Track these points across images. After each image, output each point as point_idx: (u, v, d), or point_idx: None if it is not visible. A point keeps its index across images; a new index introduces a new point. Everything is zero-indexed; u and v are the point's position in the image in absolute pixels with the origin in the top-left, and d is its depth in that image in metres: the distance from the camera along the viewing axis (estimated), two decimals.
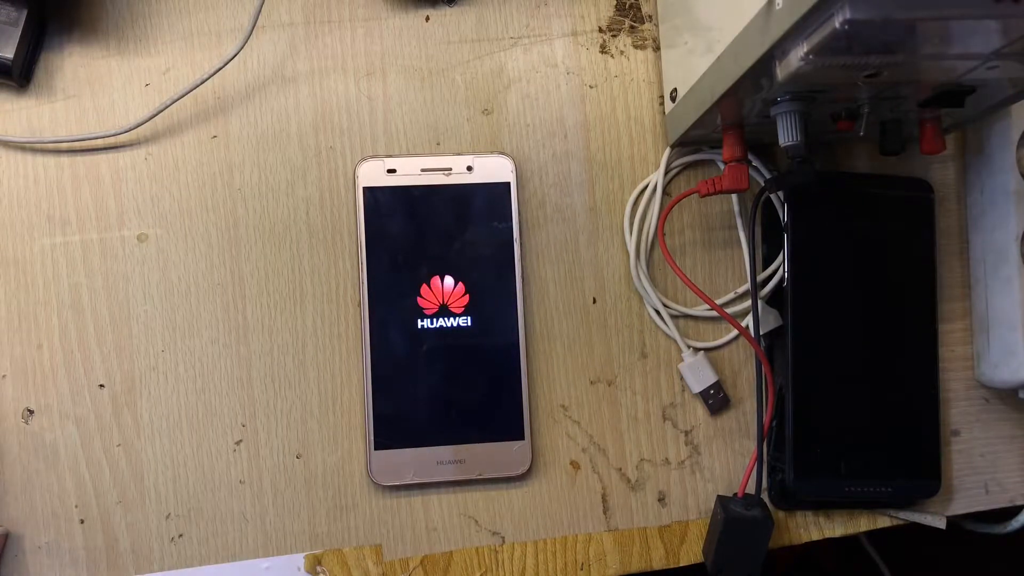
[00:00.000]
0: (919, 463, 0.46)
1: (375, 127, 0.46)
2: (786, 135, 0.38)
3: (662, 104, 0.48)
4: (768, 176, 0.47)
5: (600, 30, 0.48)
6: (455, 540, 0.45)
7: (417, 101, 0.46)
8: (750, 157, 0.45)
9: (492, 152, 0.46)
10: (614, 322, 0.47)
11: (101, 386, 0.44)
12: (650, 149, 0.48)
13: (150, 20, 0.45)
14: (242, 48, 0.43)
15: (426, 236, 0.45)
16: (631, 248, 0.46)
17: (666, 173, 0.47)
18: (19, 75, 0.43)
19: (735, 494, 0.45)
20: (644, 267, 0.47)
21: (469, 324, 0.45)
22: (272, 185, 0.45)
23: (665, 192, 0.47)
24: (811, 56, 0.31)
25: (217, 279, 0.45)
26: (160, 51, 0.45)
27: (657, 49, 0.48)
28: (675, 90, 0.44)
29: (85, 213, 0.44)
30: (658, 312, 0.47)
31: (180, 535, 0.44)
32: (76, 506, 0.43)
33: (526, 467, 0.45)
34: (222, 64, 0.43)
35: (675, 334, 0.46)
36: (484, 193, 0.45)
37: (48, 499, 0.43)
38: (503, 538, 0.45)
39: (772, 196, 0.46)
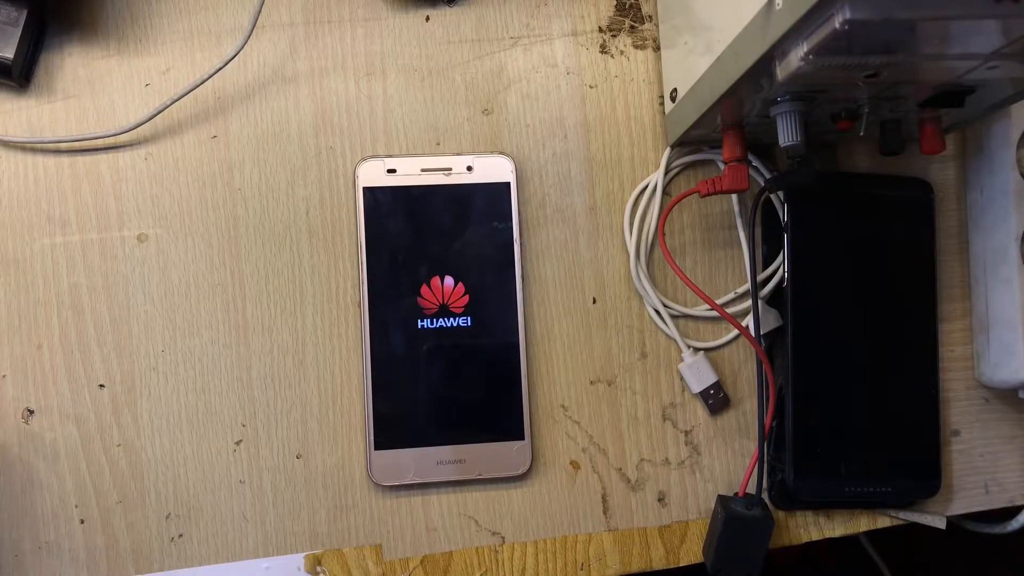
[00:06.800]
0: (919, 463, 0.46)
1: (375, 127, 0.46)
2: (786, 135, 0.38)
3: (662, 104, 0.48)
4: (768, 176, 0.47)
5: (600, 30, 0.48)
6: (455, 540, 0.45)
7: (417, 101, 0.46)
8: (750, 157, 0.46)
9: (492, 152, 0.46)
10: (614, 322, 0.47)
11: (101, 386, 0.44)
12: (650, 149, 0.48)
13: (150, 20, 0.45)
14: (242, 48, 0.43)
15: (426, 236, 0.45)
16: (631, 248, 0.46)
17: (666, 173, 0.47)
18: (19, 75, 0.43)
19: (735, 494, 0.45)
20: (644, 267, 0.47)
21: (469, 324, 0.45)
22: (272, 185, 0.45)
23: (665, 192, 0.47)
24: (811, 56, 0.31)
25: (217, 279, 0.45)
26: (160, 51, 0.45)
27: (657, 49, 0.48)
28: (675, 90, 0.44)
29: (85, 213, 0.44)
30: (658, 312, 0.47)
31: (180, 535, 0.44)
32: (76, 506, 0.43)
33: (526, 467, 0.45)
34: (222, 64, 0.43)
35: (675, 334, 0.46)
36: (484, 193, 0.45)
37: (48, 499, 0.43)
38: (503, 538, 0.45)
39: (772, 196, 0.46)
